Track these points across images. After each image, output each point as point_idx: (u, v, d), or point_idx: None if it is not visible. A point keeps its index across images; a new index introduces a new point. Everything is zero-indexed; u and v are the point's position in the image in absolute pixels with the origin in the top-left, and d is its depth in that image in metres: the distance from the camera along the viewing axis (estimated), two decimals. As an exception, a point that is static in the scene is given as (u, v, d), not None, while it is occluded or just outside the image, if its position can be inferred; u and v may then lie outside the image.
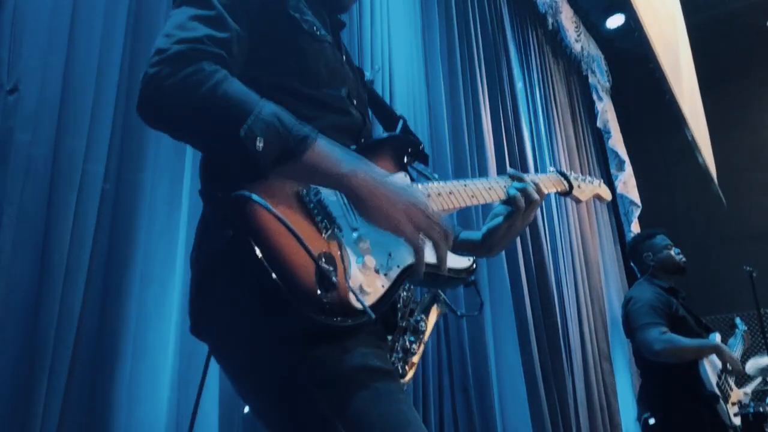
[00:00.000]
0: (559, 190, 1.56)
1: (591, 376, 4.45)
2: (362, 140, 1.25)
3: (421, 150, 1.31)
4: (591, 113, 6.53)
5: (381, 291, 0.99)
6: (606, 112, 6.51)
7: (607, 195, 1.75)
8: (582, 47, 6.20)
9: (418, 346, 1.69)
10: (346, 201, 1.06)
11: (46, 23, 1.83)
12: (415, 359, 1.69)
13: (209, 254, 1.02)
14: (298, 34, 1.17)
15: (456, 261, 1.16)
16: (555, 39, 5.92)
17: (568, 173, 1.59)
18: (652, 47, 4.50)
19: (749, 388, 3.42)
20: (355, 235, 1.02)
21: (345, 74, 1.27)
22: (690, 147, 5.32)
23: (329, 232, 0.98)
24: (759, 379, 3.65)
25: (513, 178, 1.37)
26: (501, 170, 3.80)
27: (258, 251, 0.89)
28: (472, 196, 1.29)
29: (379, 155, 1.20)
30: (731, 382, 3.19)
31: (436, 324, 3.03)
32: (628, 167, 6.46)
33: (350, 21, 3.05)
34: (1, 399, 1.55)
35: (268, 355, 0.97)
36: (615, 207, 6.40)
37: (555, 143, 5.19)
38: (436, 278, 1.15)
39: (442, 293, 1.83)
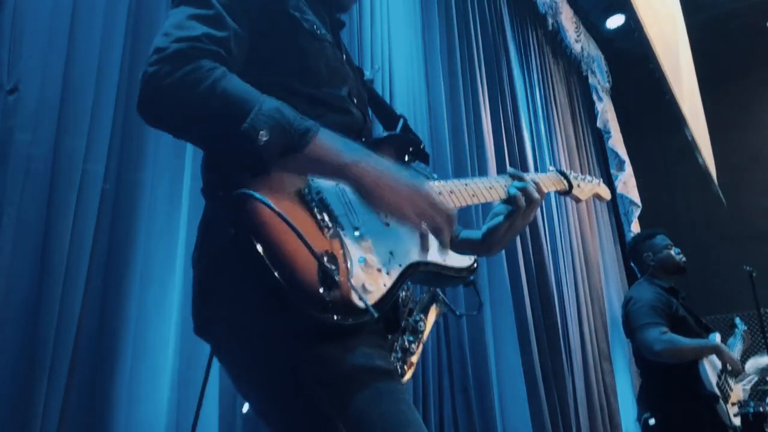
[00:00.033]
0: (558, 189, 1.56)
1: (591, 376, 4.45)
2: (363, 139, 1.25)
3: (422, 149, 1.31)
4: (591, 113, 6.53)
5: (383, 290, 0.99)
6: (606, 112, 6.51)
7: (606, 194, 1.75)
8: (582, 47, 6.20)
9: (417, 346, 1.69)
10: (347, 199, 1.06)
11: (46, 23, 1.83)
12: (414, 359, 1.69)
13: (212, 253, 1.02)
14: (298, 33, 1.17)
15: (457, 260, 1.16)
16: (555, 39, 5.93)
17: (567, 172, 1.60)
18: (652, 47, 4.50)
19: (747, 384, 3.42)
20: (356, 233, 1.02)
21: (345, 73, 1.28)
22: (690, 147, 5.32)
23: (331, 230, 0.98)
24: (754, 376, 3.65)
25: (513, 177, 1.37)
26: (501, 170, 3.79)
27: (260, 249, 0.89)
28: (473, 195, 1.30)
29: (379, 154, 1.20)
30: (731, 382, 3.19)
31: (436, 324, 3.04)
32: (628, 167, 6.46)
33: (350, 21, 3.05)
34: (1, 399, 1.55)
35: (271, 352, 0.97)
36: (615, 207, 6.40)
37: (555, 143, 5.20)
38: (437, 277, 1.15)
39: (441, 293, 1.83)
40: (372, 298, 0.95)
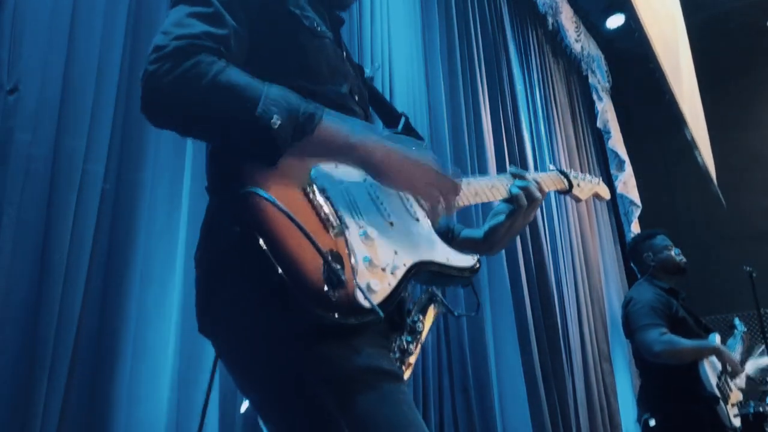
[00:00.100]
0: (559, 188, 1.57)
1: (591, 377, 4.45)
2: None
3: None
4: (591, 113, 6.53)
5: (388, 289, 0.98)
6: (606, 112, 6.51)
7: (605, 193, 1.75)
8: (582, 47, 6.20)
9: (415, 347, 1.69)
10: (352, 198, 1.06)
11: (46, 23, 1.83)
12: (412, 359, 1.69)
13: (216, 252, 1.02)
14: (298, 30, 1.18)
15: (460, 259, 1.16)
16: (555, 39, 5.93)
17: (567, 171, 1.60)
18: (652, 47, 4.49)
19: (746, 375, 3.42)
20: (361, 232, 1.02)
21: (346, 71, 1.28)
22: (690, 147, 5.32)
23: (336, 229, 0.98)
24: (753, 366, 3.64)
25: (515, 176, 1.38)
26: (501, 170, 3.79)
27: (266, 247, 0.89)
28: (476, 195, 1.30)
29: None
30: (731, 383, 3.19)
31: (436, 324, 3.04)
32: (628, 167, 6.46)
33: (350, 21, 3.05)
34: (1, 399, 1.55)
35: (274, 352, 0.96)
36: (615, 207, 6.40)
37: (555, 143, 5.20)
38: (439, 277, 1.15)
39: (439, 293, 1.84)
40: (377, 298, 0.95)
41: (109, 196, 1.91)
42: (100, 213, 1.86)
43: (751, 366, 3.69)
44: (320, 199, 1.01)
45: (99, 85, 1.93)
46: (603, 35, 6.79)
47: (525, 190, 1.32)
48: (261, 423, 1.12)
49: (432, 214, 1.13)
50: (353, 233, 1.01)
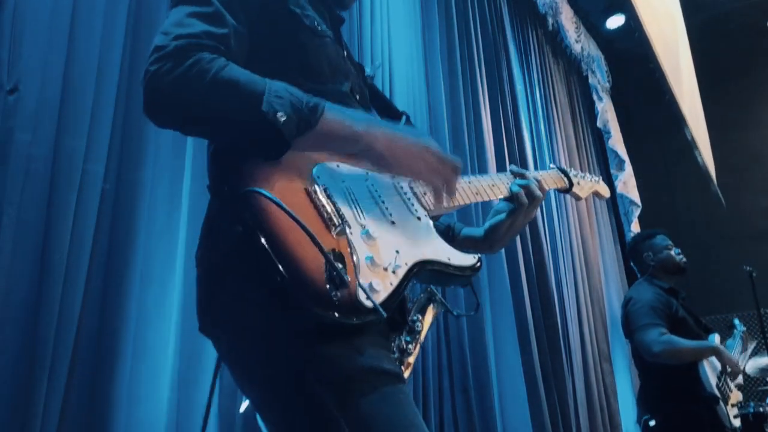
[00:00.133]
0: (559, 186, 1.57)
1: (591, 377, 4.45)
2: None
3: None
4: (591, 113, 6.53)
5: (390, 289, 0.98)
6: (606, 112, 6.51)
7: (605, 192, 1.75)
8: (582, 47, 6.20)
9: (414, 347, 1.69)
10: (354, 197, 1.06)
11: (46, 23, 1.83)
12: (411, 359, 1.69)
13: (217, 251, 1.02)
14: (299, 30, 1.18)
15: (461, 258, 1.16)
16: (555, 39, 5.93)
17: (567, 170, 1.59)
18: (652, 47, 4.49)
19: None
20: (363, 231, 1.02)
21: (347, 70, 1.28)
22: (690, 147, 5.32)
23: (338, 228, 0.98)
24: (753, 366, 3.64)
25: (515, 174, 1.38)
26: (501, 170, 3.80)
27: (268, 247, 0.89)
28: (476, 193, 1.30)
29: None
30: (731, 383, 3.19)
31: (436, 324, 3.04)
32: (628, 167, 6.46)
33: (350, 21, 3.05)
34: (1, 399, 1.55)
35: (275, 352, 0.96)
36: (615, 207, 6.40)
37: (555, 143, 5.20)
38: (441, 276, 1.15)
39: (438, 293, 1.83)
40: (379, 298, 0.95)
41: (109, 196, 1.91)
42: (100, 213, 1.86)
43: (751, 366, 3.69)
44: (322, 198, 1.01)
45: (99, 85, 1.93)
46: (603, 35, 6.79)
47: (526, 188, 1.32)
48: (260, 422, 1.12)
49: (436, 198, 1.14)
50: (355, 232, 1.01)
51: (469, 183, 1.31)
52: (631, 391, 5.06)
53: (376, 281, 0.96)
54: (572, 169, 1.64)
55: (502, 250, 3.61)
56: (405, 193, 1.18)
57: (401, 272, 1.02)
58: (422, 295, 1.82)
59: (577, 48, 6.08)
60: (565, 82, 6.01)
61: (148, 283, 1.95)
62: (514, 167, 1.40)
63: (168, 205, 2.08)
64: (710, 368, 3.06)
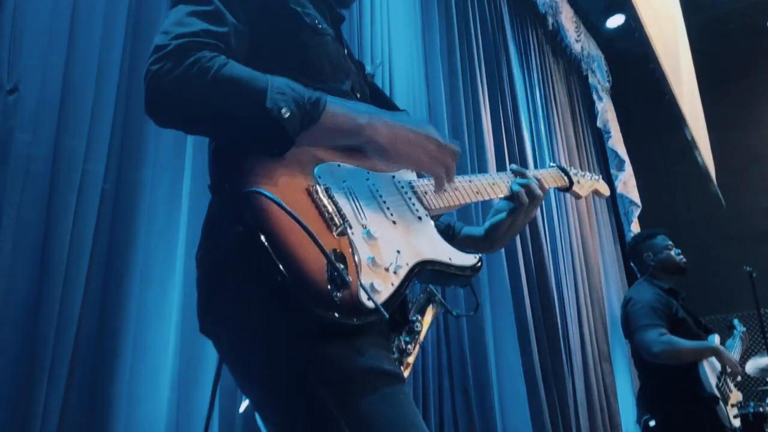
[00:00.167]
0: (559, 185, 1.56)
1: (591, 377, 4.45)
2: None
3: None
4: (591, 113, 6.53)
5: (391, 289, 0.98)
6: (606, 112, 6.51)
7: (605, 190, 1.74)
8: (582, 47, 6.20)
9: (413, 347, 1.69)
10: (355, 197, 1.06)
11: (46, 23, 1.83)
12: (410, 360, 1.69)
13: (218, 251, 1.02)
14: (299, 28, 1.18)
15: (462, 258, 1.16)
16: (555, 39, 5.93)
17: (567, 168, 1.59)
18: (652, 47, 4.49)
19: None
20: (364, 231, 1.02)
21: (348, 68, 1.28)
22: (690, 147, 5.32)
23: (339, 228, 0.98)
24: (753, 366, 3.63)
25: (516, 173, 1.37)
26: (501, 170, 3.80)
27: (269, 247, 0.89)
28: (477, 193, 1.30)
29: None
30: (730, 383, 3.19)
31: (436, 324, 3.04)
32: (628, 167, 6.46)
33: (350, 20, 3.05)
34: (1, 399, 1.55)
35: (276, 352, 0.96)
36: (615, 207, 6.41)
37: (555, 143, 5.20)
38: (441, 276, 1.15)
39: (437, 293, 1.83)
40: (380, 298, 0.95)
41: (109, 196, 1.91)
42: (100, 213, 1.86)
43: (752, 366, 3.69)
44: (323, 198, 1.01)
45: (99, 85, 1.93)
46: (603, 35, 6.79)
47: (526, 187, 1.32)
48: (260, 422, 1.12)
49: (437, 186, 1.16)
50: (356, 232, 1.01)
51: (470, 182, 1.31)
52: (631, 391, 5.06)
53: (378, 281, 0.96)
54: (572, 167, 1.64)
55: (502, 250, 3.61)
56: (406, 193, 1.18)
57: (402, 272, 1.02)
58: (421, 295, 1.82)
59: (577, 48, 6.08)
60: (565, 81, 6.01)
61: (148, 283, 1.95)
62: (514, 166, 1.40)
63: (168, 205, 2.08)
64: (710, 368, 3.06)
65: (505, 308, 3.58)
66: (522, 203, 1.31)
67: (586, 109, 6.47)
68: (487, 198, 1.32)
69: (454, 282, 1.21)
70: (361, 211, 1.05)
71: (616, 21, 6.55)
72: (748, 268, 4.16)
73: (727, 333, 3.63)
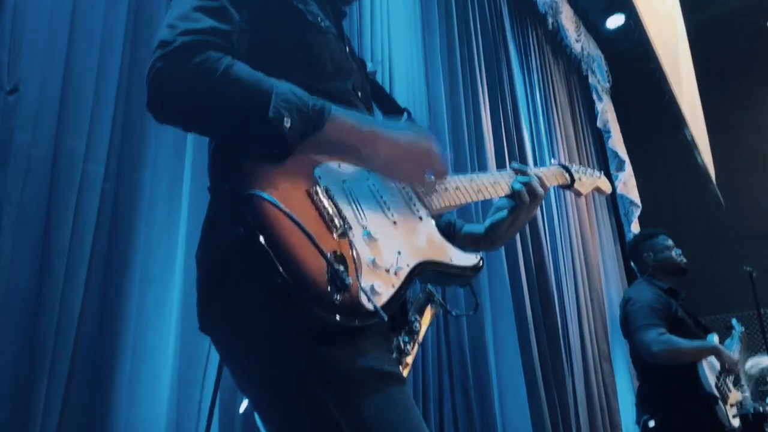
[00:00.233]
0: (561, 183, 1.54)
1: (591, 377, 4.45)
2: None
3: None
4: (591, 113, 6.53)
5: (392, 291, 0.98)
6: (606, 112, 6.51)
7: (606, 187, 1.72)
8: (582, 47, 6.20)
9: (412, 347, 1.69)
10: (355, 198, 1.06)
11: (46, 23, 1.83)
12: (409, 360, 1.68)
13: (218, 252, 1.01)
14: (302, 26, 1.17)
15: (463, 258, 1.15)
16: (555, 39, 5.93)
17: (569, 166, 1.58)
18: (652, 47, 4.49)
19: (746, 392, 3.41)
20: (365, 233, 1.01)
21: (350, 67, 1.27)
22: (690, 147, 5.32)
23: (339, 230, 0.98)
24: (752, 385, 3.64)
25: (517, 172, 1.36)
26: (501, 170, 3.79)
27: (269, 249, 0.89)
28: (478, 192, 1.29)
29: None
30: (730, 383, 3.18)
31: (436, 324, 3.04)
32: (628, 167, 6.47)
33: (350, 20, 3.05)
34: (1, 399, 1.55)
35: (276, 352, 0.96)
36: (615, 207, 6.41)
37: (555, 143, 5.20)
38: (442, 276, 1.14)
39: (436, 293, 1.83)
40: (381, 300, 0.95)
41: (109, 196, 1.91)
42: (100, 213, 1.86)
43: (752, 366, 3.69)
44: (324, 199, 1.00)
45: (99, 85, 1.93)
46: (603, 35, 6.79)
47: (528, 186, 1.31)
48: (259, 423, 1.12)
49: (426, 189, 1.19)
50: (357, 234, 1.00)
51: (471, 181, 1.30)
52: (631, 391, 5.05)
53: (378, 283, 0.96)
54: (573, 164, 1.62)
55: (502, 250, 3.62)
56: (407, 193, 1.17)
57: (403, 274, 1.02)
58: (421, 295, 1.82)
59: (577, 48, 6.08)
60: (565, 82, 6.01)
61: (148, 283, 1.95)
62: (515, 164, 1.38)
63: (168, 205, 2.08)
64: (709, 368, 3.06)
65: (505, 308, 3.58)
66: (523, 202, 1.30)
67: (586, 109, 6.47)
68: (488, 197, 1.32)
69: (454, 282, 1.20)
70: (361, 212, 1.04)
71: (616, 21, 6.55)
72: (748, 268, 4.16)
73: (725, 333, 3.63)
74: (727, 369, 3.14)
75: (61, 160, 1.78)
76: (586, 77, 6.44)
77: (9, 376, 1.57)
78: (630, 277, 5.64)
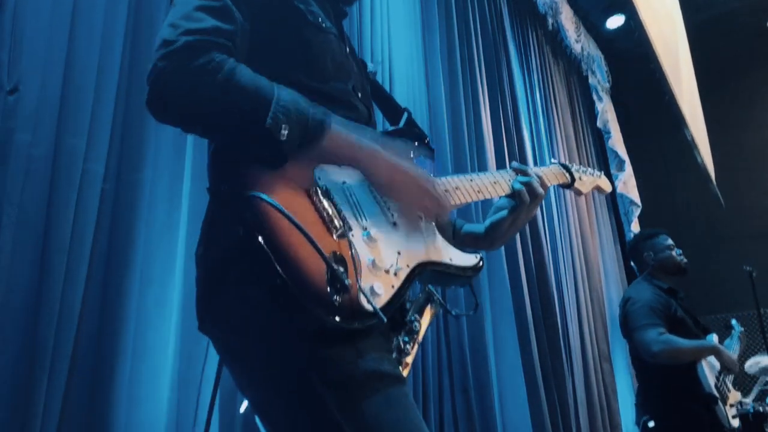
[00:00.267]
0: (561, 182, 1.54)
1: (591, 377, 4.45)
2: None
3: (427, 143, 1.31)
4: (591, 113, 6.53)
5: (391, 292, 0.98)
6: (606, 112, 6.51)
7: (606, 186, 1.72)
8: (582, 47, 6.20)
9: (412, 347, 1.69)
10: (355, 199, 1.06)
11: (46, 23, 1.83)
12: (409, 360, 1.68)
13: (218, 252, 1.01)
14: (303, 26, 1.17)
15: (463, 259, 1.15)
16: (555, 39, 5.93)
17: (569, 165, 1.58)
18: (652, 47, 4.49)
19: (750, 397, 3.41)
20: (365, 233, 1.01)
21: (350, 67, 1.27)
22: (690, 147, 5.32)
23: (339, 231, 0.98)
24: (757, 389, 3.64)
25: (517, 171, 1.36)
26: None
27: (269, 251, 0.88)
28: (478, 191, 1.29)
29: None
30: (729, 383, 3.18)
31: (436, 324, 3.04)
32: (628, 167, 6.47)
33: (350, 21, 3.05)
34: (1, 399, 1.55)
35: (276, 353, 0.96)
36: (615, 207, 6.41)
37: (555, 143, 5.20)
38: (442, 276, 1.14)
39: (436, 293, 1.83)
40: (380, 301, 0.95)
41: (109, 195, 1.91)
42: (100, 213, 1.86)
43: (752, 365, 3.69)
44: (324, 201, 1.00)
45: (99, 84, 1.93)
46: (603, 35, 6.79)
47: (528, 185, 1.31)
48: (259, 423, 1.12)
49: (426, 216, 1.16)
50: (357, 234, 1.00)
51: (471, 181, 1.30)
52: (631, 391, 5.05)
53: (378, 284, 0.96)
54: (573, 164, 1.62)
55: (502, 249, 3.62)
56: None
57: (403, 275, 1.02)
58: (420, 295, 1.82)
59: (577, 48, 6.08)
60: (565, 82, 6.01)
61: (148, 283, 1.95)
62: (516, 164, 1.38)
63: (168, 205, 2.08)
64: (708, 368, 3.06)
65: (505, 308, 3.58)
66: (524, 201, 1.30)
67: (586, 109, 6.47)
68: (488, 197, 1.31)
69: (454, 282, 1.20)
70: (361, 213, 1.04)
71: (616, 21, 6.55)
72: (748, 268, 4.16)
73: (725, 333, 3.63)
74: (727, 369, 3.14)
75: (61, 159, 1.78)
76: (586, 77, 6.44)
77: (9, 375, 1.57)
78: (630, 277, 5.64)
